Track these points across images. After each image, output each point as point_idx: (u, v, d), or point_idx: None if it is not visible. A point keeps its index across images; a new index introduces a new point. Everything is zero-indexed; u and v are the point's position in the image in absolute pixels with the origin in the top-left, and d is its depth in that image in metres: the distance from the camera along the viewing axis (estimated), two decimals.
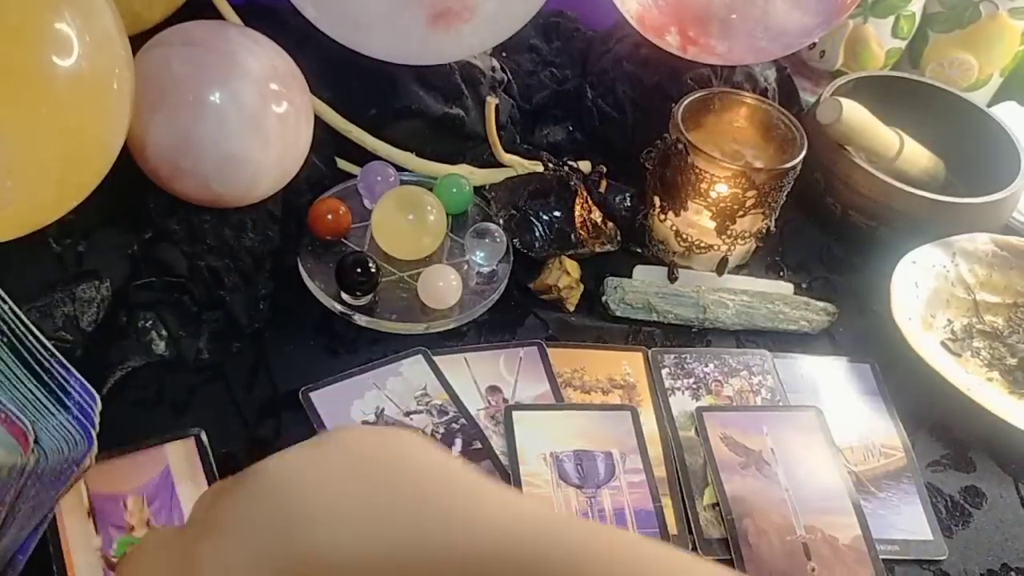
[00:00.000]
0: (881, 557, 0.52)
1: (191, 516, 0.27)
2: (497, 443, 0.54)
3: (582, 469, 0.53)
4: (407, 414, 0.55)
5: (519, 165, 0.72)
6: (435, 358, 0.59)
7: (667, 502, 0.53)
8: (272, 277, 0.60)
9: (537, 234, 0.67)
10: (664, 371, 0.61)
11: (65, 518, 0.47)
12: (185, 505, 0.49)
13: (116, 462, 0.49)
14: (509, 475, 0.52)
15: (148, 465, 0.50)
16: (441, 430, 0.55)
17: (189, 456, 0.50)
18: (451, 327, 0.61)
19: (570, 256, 0.66)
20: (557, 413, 0.57)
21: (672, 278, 0.68)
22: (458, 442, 0.54)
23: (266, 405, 0.55)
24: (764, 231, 0.68)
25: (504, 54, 0.83)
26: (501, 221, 0.67)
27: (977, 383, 0.63)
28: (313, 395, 0.55)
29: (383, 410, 0.55)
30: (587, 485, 0.52)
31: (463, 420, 0.55)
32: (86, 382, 0.46)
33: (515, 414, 0.55)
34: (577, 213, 0.67)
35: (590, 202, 0.68)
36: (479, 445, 0.54)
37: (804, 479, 0.55)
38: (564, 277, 0.64)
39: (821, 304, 0.68)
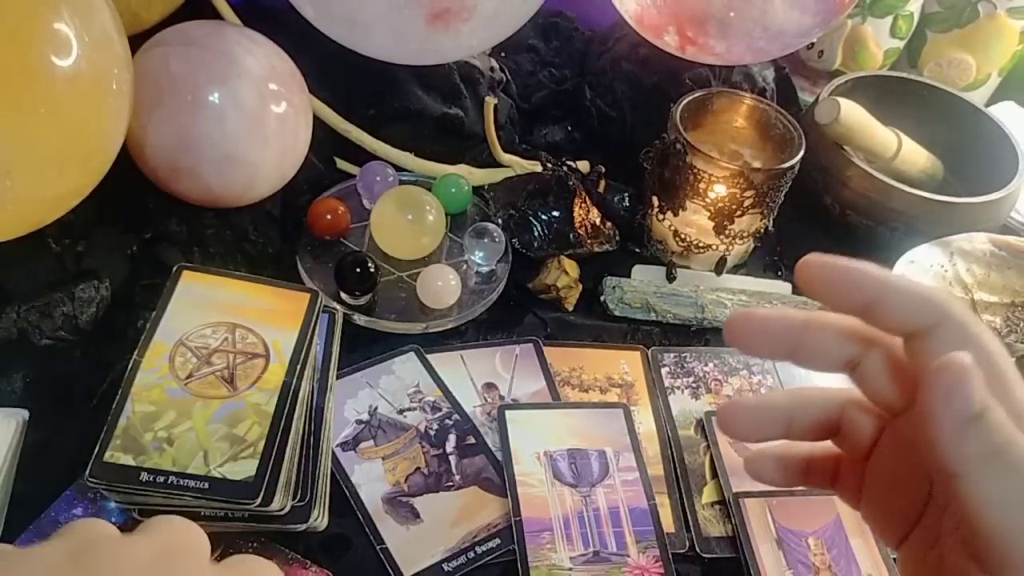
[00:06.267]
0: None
1: None
2: (493, 439, 0.55)
3: (576, 468, 0.53)
4: (400, 411, 0.55)
5: (518, 165, 0.73)
6: (432, 356, 0.59)
7: (663, 500, 0.53)
8: (271, 277, 0.60)
9: (536, 234, 0.67)
10: (664, 370, 0.62)
11: (760, 546, 0.51)
12: (859, 556, 0.51)
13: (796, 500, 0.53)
14: (503, 470, 0.53)
15: (823, 510, 0.53)
16: (435, 426, 0.55)
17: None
18: (450, 327, 0.61)
19: (569, 256, 0.66)
20: (550, 412, 0.57)
21: (670, 278, 0.69)
22: (452, 438, 0.54)
23: None
24: (762, 231, 0.68)
25: (503, 54, 0.83)
26: (500, 221, 0.67)
27: None
28: None
29: (376, 408, 0.55)
30: (581, 484, 0.53)
31: (456, 416, 0.55)
32: None
33: (508, 413, 0.56)
34: (576, 213, 0.67)
35: (589, 202, 0.68)
36: (472, 440, 0.54)
37: None
38: (563, 277, 0.64)
39: (819, 304, 0.68)
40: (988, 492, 0.23)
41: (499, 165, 0.73)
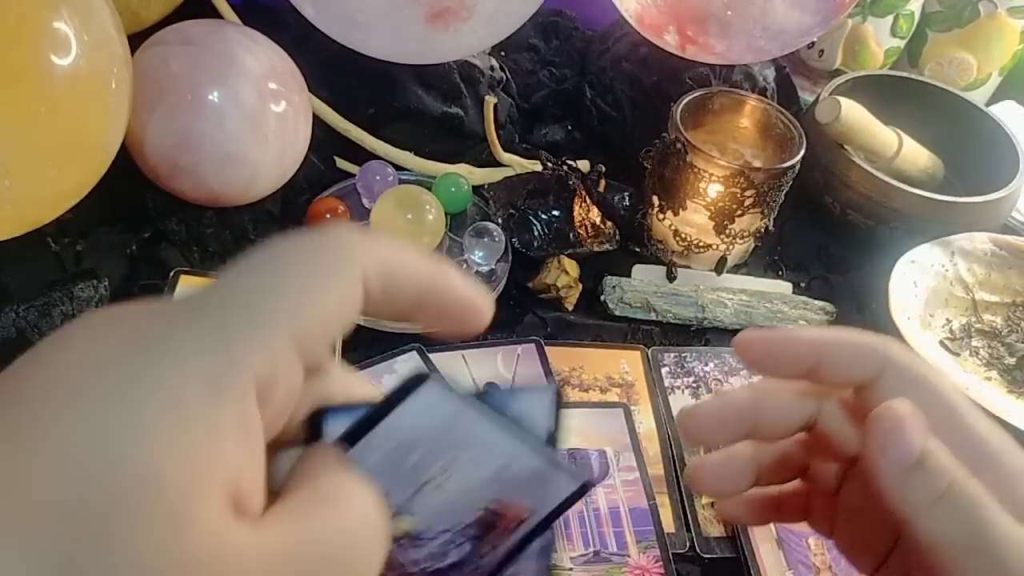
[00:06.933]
0: None
1: None
2: None
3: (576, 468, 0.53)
4: None
5: (518, 164, 0.72)
6: (433, 355, 0.59)
7: (663, 500, 0.53)
8: None
9: (536, 233, 0.67)
10: (664, 369, 0.62)
11: (760, 546, 0.51)
12: None
13: None
14: None
15: None
16: None
17: None
18: None
19: (569, 255, 0.66)
20: None
21: (671, 277, 0.68)
22: None
23: None
24: (762, 230, 0.68)
25: (503, 53, 0.83)
26: (500, 220, 0.67)
27: (975, 382, 0.63)
28: None
29: None
30: None
31: None
32: None
33: None
34: (576, 212, 0.67)
35: (589, 201, 0.68)
36: None
37: None
38: (563, 276, 0.64)
39: (819, 303, 0.68)
40: (938, 535, 0.23)
41: (499, 164, 0.73)
